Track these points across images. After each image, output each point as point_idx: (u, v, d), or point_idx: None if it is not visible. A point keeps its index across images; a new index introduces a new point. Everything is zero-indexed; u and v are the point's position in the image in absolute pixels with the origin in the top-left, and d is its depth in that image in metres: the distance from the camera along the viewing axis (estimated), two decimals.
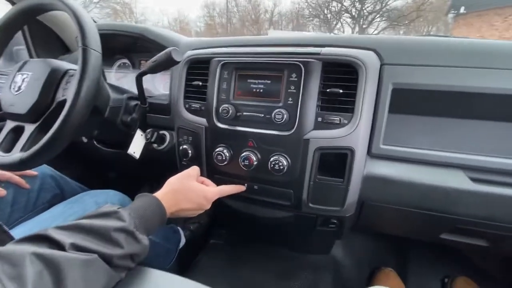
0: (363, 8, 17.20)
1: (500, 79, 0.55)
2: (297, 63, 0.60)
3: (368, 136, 0.61)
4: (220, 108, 0.66)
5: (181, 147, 0.74)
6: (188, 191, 0.59)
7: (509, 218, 0.58)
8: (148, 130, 0.83)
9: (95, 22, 1.07)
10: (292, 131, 0.61)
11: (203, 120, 0.71)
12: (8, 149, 0.62)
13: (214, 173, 0.73)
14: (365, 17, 17.52)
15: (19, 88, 0.65)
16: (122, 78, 1.07)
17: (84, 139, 0.93)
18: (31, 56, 1.03)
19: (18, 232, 0.61)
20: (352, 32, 17.70)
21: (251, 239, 1.19)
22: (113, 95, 0.77)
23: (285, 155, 0.63)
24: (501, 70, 0.55)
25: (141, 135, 0.82)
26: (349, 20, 18.29)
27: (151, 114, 0.86)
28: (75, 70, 0.63)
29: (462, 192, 0.57)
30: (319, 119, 0.60)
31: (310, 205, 0.66)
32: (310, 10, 19.29)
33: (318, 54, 0.60)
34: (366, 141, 0.62)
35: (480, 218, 0.60)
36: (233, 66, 0.66)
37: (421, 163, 0.62)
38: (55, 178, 0.85)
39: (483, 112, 0.60)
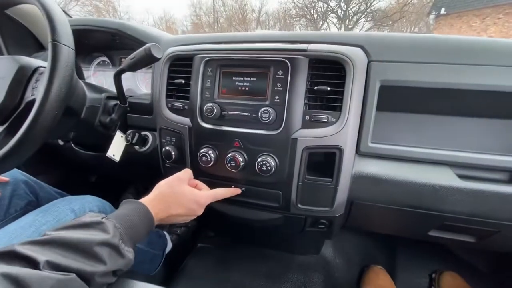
0: (349, 9, 17.47)
1: (485, 75, 0.55)
2: (284, 59, 0.58)
3: (356, 135, 0.60)
4: (204, 107, 0.64)
5: (164, 149, 0.71)
6: (178, 195, 0.55)
7: (495, 214, 0.58)
8: (129, 132, 0.79)
9: (69, 17, 1.02)
10: (279, 130, 0.59)
11: (186, 120, 0.67)
12: None
13: (199, 175, 0.70)
14: (350, 17, 17.80)
15: None
16: (101, 77, 1.02)
17: (60, 142, 0.88)
18: (1, 53, 0.97)
19: None
20: None
21: (239, 241, 1.16)
22: (90, 94, 0.72)
23: (273, 155, 0.61)
24: (487, 66, 0.55)
25: (121, 136, 0.77)
26: (335, 20, 18.53)
27: (132, 114, 0.82)
28: (45, 67, 0.59)
29: (450, 189, 0.57)
30: (307, 117, 0.59)
31: (299, 206, 0.64)
32: (297, 10, 19.41)
33: (305, 50, 0.58)
34: (355, 139, 0.60)
35: (467, 214, 0.60)
36: (217, 63, 0.64)
37: (409, 161, 0.61)
38: (29, 184, 0.79)
39: (469, 109, 0.61)
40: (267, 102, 0.60)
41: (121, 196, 1.25)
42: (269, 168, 0.60)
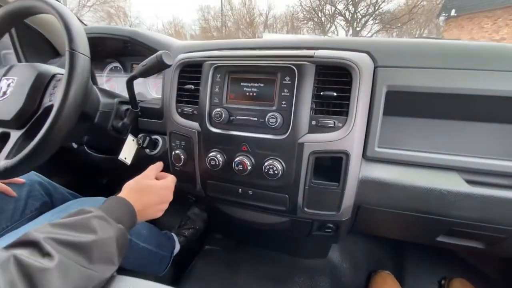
0: (357, 11, 17.40)
1: (493, 81, 0.55)
2: (291, 66, 0.59)
3: (363, 139, 0.61)
4: (213, 112, 0.65)
5: (173, 152, 0.73)
6: (146, 187, 0.61)
7: (504, 220, 0.58)
8: (140, 135, 0.81)
9: (84, 25, 1.06)
10: (286, 135, 0.60)
11: (195, 125, 0.69)
12: None
13: (207, 179, 0.72)
14: (358, 20, 17.72)
15: (4, 93, 0.63)
16: (113, 82, 1.06)
17: (74, 145, 0.91)
18: (19, 60, 1.01)
19: (4, 242, 0.59)
20: (346, 35, 17.88)
21: (246, 244, 1.17)
22: (103, 99, 0.75)
23: (280, 160, 0.62)
24: (495, 71, 0.55)
25: (133, 140, 0.80)
26: (343, 23, 18.48)
27: (143, 118, 0.85)
28: (62, 74, 0.61)
29: (458, 195, 0.57)
30: (313, 122, 0.59)
31: (306, 209, 0.65)
32: (304, 13, 19.45)
33: (312, 56, 0.59)
34: (361, 144, 0.61)
35: (476, 220, 0.59)
36: (225, 70, 0.65)
37: (416, 166, 0.61)
38: (44, 185, 0.83)
39: (478, 114, 0.60)
40: (274, 107, 0.61)
41: None
42: (276, 172, 0.61)
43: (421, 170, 0.61)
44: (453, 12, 11.32)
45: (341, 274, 1.07)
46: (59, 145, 0.57)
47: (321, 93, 0.59)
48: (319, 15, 18.78)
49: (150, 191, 0.61)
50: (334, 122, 0.58)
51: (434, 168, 0.60)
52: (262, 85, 0.63)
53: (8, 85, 0.63)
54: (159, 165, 0.69)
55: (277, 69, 0.61)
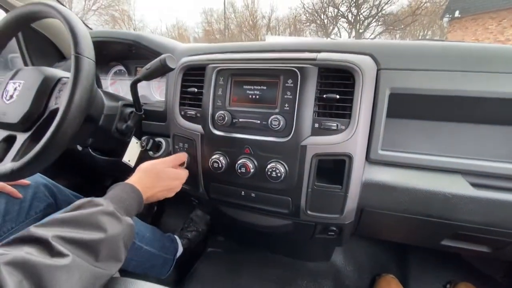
0: (359, 13, 17.39)
1: (497, 83, 0.54)
2: (293, 69, 0.59)
3: (366, 142, 0.61)
4: (216, 115, 0.66)
5: None
6: (161, 172, 0.61)
7: (511, 224, 0.57)
8: (144, 138, 0.82)
9: (90, 29, 1.07)
10: (289, 137, 0.60)
11: (198, 127, 0.70)
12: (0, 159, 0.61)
13: (210, 181, 0.72)
14: (361, 22, 17.71)
15: (11, 96, 0.64)
16: (118, 85, 1.07)
17: (79, 147, 0.92)
18: (25, 64, 1.03)
19: None
20: (349, 37, 17.86)
21: (249, 246, 1.17)
22: (107, 102, 0.76)
23: (282, 162, 0.62)
24: (498, 74, 0.55)
25: (136, 142, 0.80)
26: (345, 25, 18.49)
27: (146, 121, 0.85)
28: (68, 78, 0.62)
29: (462, 198, 0.57)
30: (316, 125, 0.59)
31: (309, 212, 0.65)
32: (307, 15, 19.50)
33: (314, 59, 0.60)
34: (364, 147, 0.61)
35: (481, 224, 0.59)
36: (228, 73, 0.66)
37: (420, 168, 0.61)
38: (49, 187, 0.83)
39: (481, 116, 0.60)
40: (277, 110, 0.61)
41: None
42: (278, 174, 0.61)
43: (425, 172, 0.60)
44: (457, 13, 11.26)
45: (345, 277, 1.06)
46: (65, 147, 0.58)
47: (324, 96, 0.59)
48: (322, 17, 18.82)
49: (165, 176, 0.61)
50: (337, 125, 0.58)
51: (438, 170, 0.60)
52: (264, 88, 0.63)
53: (15, 89, 0.64)
54: (183, 155, 0.70)
55: (280, 72, 0.61)
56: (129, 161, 0.78)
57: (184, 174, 0.68)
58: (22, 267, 0.32)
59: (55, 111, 0.58)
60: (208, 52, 0.77)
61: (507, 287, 0.95)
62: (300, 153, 0.60)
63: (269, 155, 0.63)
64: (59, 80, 0.66)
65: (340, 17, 18.22)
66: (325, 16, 18.67)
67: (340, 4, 17.38)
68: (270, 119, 0.61)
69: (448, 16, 11.96)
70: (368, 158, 0.62)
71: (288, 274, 1.05)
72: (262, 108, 0.63)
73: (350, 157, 0.59)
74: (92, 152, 0.92)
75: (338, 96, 0.58)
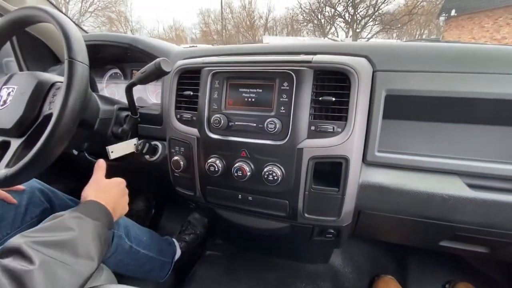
0: (356, 13, 17.43)
1: (492, 83, 0.54)
2: (289, 71, 0.59)
3: (362, 144, 0.60)
4: (212, 118, 0.65)
5: (173, 158, 0.73)
6: (107, 185, 0.64)
7: (508, 224, 0.57)
8: (140, 141, 0.81)
9: (85, 32, 1.06)
10: (285, 140, 0.60)
11: (194, 131, 0.69)
12: None
13: (207, 185, 0.72)
14: (358, 21, 17.75)
15: (5, 102, 0.63)
16: (113, 89, 1.06)
17: (75, 152, 0.91)
18: (20, 68, 1.02)
19: None
20: (346, 36, 17.89)
21: (247, 249, 1.16)
22: (103, 106, 0.75)
23: (279, 165, 0.62)
24: (494, 74, 0.55)
25: (134, 144, 0.80)
26: (342, 24, 18.52)
27: (142, 124, 0.85)
28: (62, 82, 0.62)
29: (460, 199, 0.56)
30: (312, 127, 0.59)
31: (306, 215, 0.65)
32: (304, 15, 19.53)
33: (310, 62, 0.59)
34: (361, 149, 0.61)
35: (479, 225, 0.58)
36: (224, 76, 0.65)
37: (417, 170, 0.61)
38: (45, 192, 0.83)
39: (477, 117, 0.60)
40: (273, 113, 0.61)
41: (132, 204, 1.28)
42: (275, 177, 0.61)
43: (421, 174, 0.60)
44: (453, 12, 11.31)
45: (344, 279, 1.06)
46: (59, 153, 0.57)
47: (320, 98, 0.59)
48: (319, 17, 18.86)
49: (112, 188, 0.64)
50: (333, 127, 0.58)
51: (435, 172, 0.60)
52: (260, 90, 0.63)
53: (8, 94, 0.64)
54: (102, 162, 0.69)
55: (275, 75, 0.61)
56: (112, 152, 0.74)
57: (119, 178, 0.68)
58: (6, 274, 0.36)
59: (49, 116, 0.58)
60: (203, 55, 0.76)
61: (505, 286, 0.96)
62: (297, 156, 0.60)
63: (266, 158, 0.63)
64: (53, 84, 0.65)
65: (337, 17, 18.26)
66: (322, 16, 18.72)
67: (337, 4, 17.42)
68: (266, 122, 0.60)
69: (444, 15, 12.01)
70: (364, 160, 0.62)
71: (287, 276, 1.05)
72: (258, 111, 0.63)
73: (346, 160, 0.58)
74: (88, 156, 0.91)
75: (334, 99, 0.58)
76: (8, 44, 0.85)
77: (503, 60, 0.56)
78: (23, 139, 0.61)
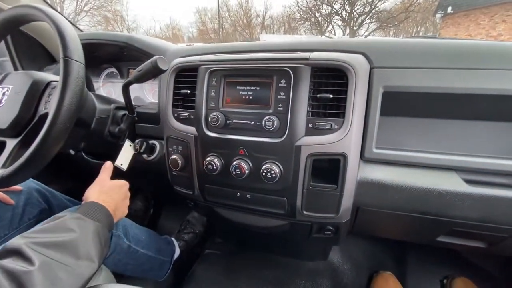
0: (353, 11, 17.43)
1: (489, 79, 0.55)
2: (286, 69, 0.59)
3: (360, 141, 0.61)
4: (209, 117, 0.65)
5: (171, 157, 0.72)
6: (111, 186, 0.64)
7: (505, 219, 0.57)
8: (137, 141, 0.81)
9: (80, 31, 1.05)
10: (283, 138, 0.60)
11: (192, 129, 0.69)
12: None
13: (205, 183, 0.71)
14: (355, 19, 17.76)
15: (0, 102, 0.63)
16: (110, 88, 1.05)
17: (72, 152, 0.91)
18: (15, 67, 1.01)
19: None
20: (343, 34, 17.90)
21: (246, 247, 1.16)
22: (99, 105, 0.74)
23: (277, 163, 0.62)
24: (490, 70, 0.55)
25: (130, 145, 0.79)
26: (339, 22, 18.52)
27: (140, 123, 0.84)
28: (57, 81, 0.61)
29: (457, 195, 0.57)
30: (310, 125, 0.59)
31: (305, 212, 0.65)
32: (301, 13, 19.51)
33: (307, 59, 0.59)
34: (359, 145, 0.61)
35: (476, 220, 0.59)
36: (221, 73, 0.65)
37: (414, 166, 0.61)
38: (42, 193, 0.82)
39: (475, 113, 0.60)
40: (270, 111, 0.61)
41: (130, 203, 1.28)
42: (273, 175, 0.61)
43: (419, 170, 0.60)
44: (449, 10, 11.35)
45: (343, 275, 1.06)
46: (55, 152, 0.57)
47: (317, 95, 0.58)
48: (316, 15, 18.85)
49: (115, 190, 0.64)
50: (331, 124, 0.58)
51: (433, 168, 0.60)
52: (258, 88, 0.63)
53: (3, 94, 0.63)
54: (109, 165, 0.70)
55: (273, 72, 0.61)
56: (121, 164, 0.77)
57: (122, 180, 0.69)
58: (6, 274, 0.36)
59: (45, 116, 0.57)
60: (200, 53, 0.76)
61: (503, 281, 0.97)
62: (295, 154, 0.60)
63: (264, 156, 0.62)
64: (48, 84, 0.65)
65: (334, 15, 18.25)
66: (319, 14, 18.71)
67: (334, 2, 17.41)
68: (264, 120, 0.60)
69: (440, 12, 12.05)
70: (362, 157, 0.62)
71: (286, 274, 1.05)
72: (255, 108, 0.63)
73: (344, 156, 0.58)
74: (85, 156, 0.90)
75: (331, 96, 0.58)
76: (2, 43, 0.84)
77: (499, 56, 0.56)
78: (18, 139, 0.61)
